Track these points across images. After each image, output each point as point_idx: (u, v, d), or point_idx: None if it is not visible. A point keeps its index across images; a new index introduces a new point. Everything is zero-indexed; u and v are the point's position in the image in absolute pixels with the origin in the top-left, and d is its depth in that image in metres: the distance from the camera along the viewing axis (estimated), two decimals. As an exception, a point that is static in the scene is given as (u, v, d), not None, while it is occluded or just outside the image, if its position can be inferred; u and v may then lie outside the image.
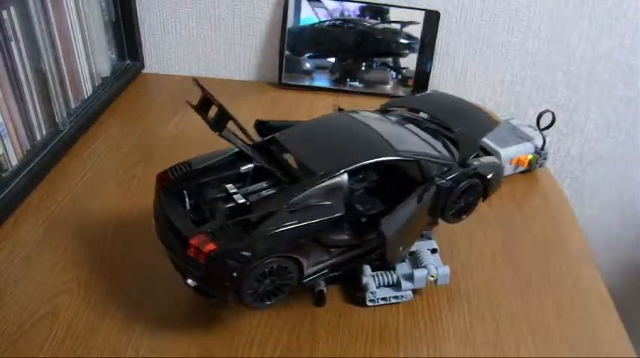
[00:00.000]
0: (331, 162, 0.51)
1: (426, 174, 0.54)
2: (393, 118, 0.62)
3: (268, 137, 0.57)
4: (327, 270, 0.54)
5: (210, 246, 0.46)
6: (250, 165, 0.55)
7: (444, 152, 0.57)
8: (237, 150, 0.55)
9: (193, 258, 0.47)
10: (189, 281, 0.49)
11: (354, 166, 0.51)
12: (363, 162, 0.52)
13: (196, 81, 0.50)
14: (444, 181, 0.54)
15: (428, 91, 0.69)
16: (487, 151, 0.60)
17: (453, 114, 0.63)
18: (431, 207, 0.55)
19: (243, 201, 0.51)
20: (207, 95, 0.49)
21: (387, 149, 0.53)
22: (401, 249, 0.54)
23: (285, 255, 0.48)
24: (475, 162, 0.57)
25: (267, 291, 0.49)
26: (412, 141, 0.57)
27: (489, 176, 0.57)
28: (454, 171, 0.55)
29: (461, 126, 0.61)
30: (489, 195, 0.59)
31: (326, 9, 0.96)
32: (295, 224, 0.48)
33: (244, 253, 0.46)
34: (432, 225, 0.59)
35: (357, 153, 0.52)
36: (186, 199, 0.53)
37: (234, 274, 0.46)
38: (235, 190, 0.53)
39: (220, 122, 0.48)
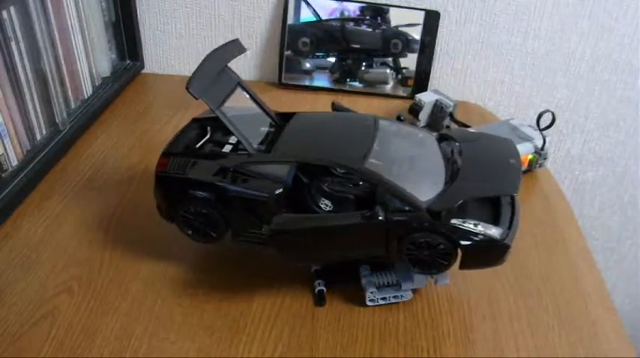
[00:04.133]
0: (293, 150, 0.53)
1: (378, 200, 0.51)
2: (437, 146, 0.57)
3: (293, 111, 0.60)
4: (256, 240, 0.55)
5: (160, 168, 0.55)
6: (271, 129, 0.59)
7: (420, 194, 0.51)
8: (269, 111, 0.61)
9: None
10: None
11: (304, 161, 0.53)
12: (319, 161, 0.52)
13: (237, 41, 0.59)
14: (379, 214, 0.49)
15: (493, 134, 0.60)
16: (513, 215, 0.52)
17: (477, 165, 0.54)
18: (377, 238, 0.51)
19: (225, 151, 0.56)
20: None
21: (352, 159, 0.51)
22: (300, 252, 0.53)
23: (211, 205, 0.54)
24: (455, 221, 0.50)
25: (198, 227, 0.56)
26: (405, 170, 0.53)
27: (465, 243, 0.49)
28: (403, 214, 0.50)
29: (470, 179, 0.52)
30: (471, 267, 0.52)
31: (313, 9, 0.96)
32: (221, 183, 0.53)
33: (175, 186, 0.54)
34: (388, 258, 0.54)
35: (324, 153, 0.53)
36: (207, 134, 0.59)
37: (165, 199, 0.56)
38: (234, 142, 0.58)
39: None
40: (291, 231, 0.51)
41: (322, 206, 0.54)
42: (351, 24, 0.96)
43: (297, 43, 0.97)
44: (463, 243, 0.49)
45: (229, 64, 0.58)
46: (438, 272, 0.52)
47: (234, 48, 0.59)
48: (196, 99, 0.52)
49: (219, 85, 0.56)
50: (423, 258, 0.51)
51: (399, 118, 0.60)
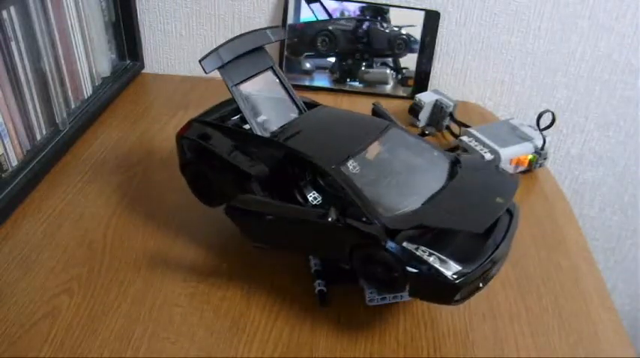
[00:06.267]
0: (286, 138, 0.55)
1: (343, 203, 0.50)
2: (447, 168, 0.55)
3: (317, 103, 0.64)
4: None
5: (181, 131, 0.61)
6: (296, 116, 0.61)
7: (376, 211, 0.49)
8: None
9: None
10: None
11: (288, 150, 0.54)
12: (300, 154, 0.53)
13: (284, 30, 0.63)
14: (331, 215, 0.48)
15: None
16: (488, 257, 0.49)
17: (459, 194, 0.52)
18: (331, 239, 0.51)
19: (244, 127, 0.60)
20: None
21: (330, 158, 0.52)
22: (254, 233, 0.55)
23: (211, 173, 0.59)
24: (407, 244, 0.47)
25: (201, 190, 0.62)
26: (389, 182, 0.52)
27: (411, 269, 0.47)
28: (357, 223, 0.49)
29: (440, 206, 0.50)
30: (418, 297, 0.50)
31: (324, 8, 0.96)
32: (220, 154, 0.57)
33: (187, 149, 0.61)
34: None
35: (310, 146, 0.54)
36: None
37: (180, 159, 0.62)
38: (260, 121, 0.60)
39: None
40: (245, 210, 0.53)
41: (310, 198, 0.54)
42: (367, 24, 0.96)
43: (315, 41, 0.97)
44: (410, 268, 0.47)
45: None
46: (390, 291, 0.51)
47: (273, 33, 0.61)
48: (206, 73, 0.55)
49: (246, 64, 0.59)
50: (375, 273, 0.50)
51: (423, 133, 0.59)
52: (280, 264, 0.60)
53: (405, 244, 0.47)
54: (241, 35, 0.59)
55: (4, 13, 0.65)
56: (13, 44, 0.67)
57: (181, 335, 0.53)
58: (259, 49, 0.60)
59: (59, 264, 0.60)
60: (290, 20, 0.96)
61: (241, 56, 0.58)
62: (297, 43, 0.97)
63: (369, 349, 0.53)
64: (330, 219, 0.49)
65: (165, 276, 0.59)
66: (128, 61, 0.99)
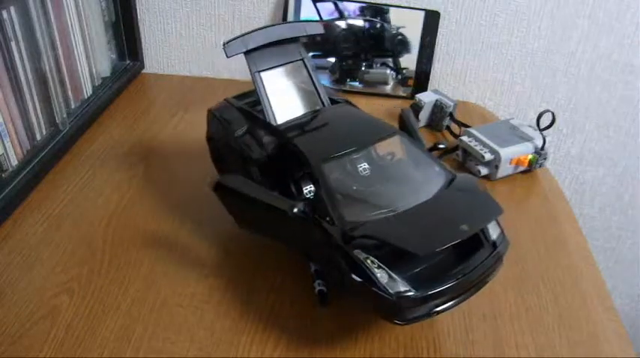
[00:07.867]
0: (289, 129, 0.56)
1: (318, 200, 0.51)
2: (444, 185, 0.53)
3: (343, 98, 0.65)
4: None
5: (213, 106, 0.65)
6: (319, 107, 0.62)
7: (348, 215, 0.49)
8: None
9: None
10: None
11: (285, 140, 0.55)
12: (292, 146, 0.54)
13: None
14: (296, 206, 0.48)
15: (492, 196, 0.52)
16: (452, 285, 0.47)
17: (430, 213, 0.49)
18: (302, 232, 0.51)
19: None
20: None
21: (317, 156, 0.52)
22: (237, 213, 0.56)
23: (223, 147, 0.63)
24: (358, 252, 0.46)
25: (219, 161, 0.66)
26: (374, 186, 0.52)
27: (356, 278, 0.46)
28: (321, 220, 0.49)
29: (402, 220, 0.48)
30: (366, 309, 0.49)
31: (337, 8, 0.96)
32: (232, 133, 0.60)
33: (212, 123, 0.64)
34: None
35: (305, 141, 0.54)
36: None
37: (207, 129, 0.66)
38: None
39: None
40: (229, 189, 0.53)
41: (305, 190, 0.54)
42: (375, 23, 0.96)
43: (338, 41, 0.96)
44: (355, 276, 0.46)
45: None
46: (348, 296, 0.50)
47: (309, 26, 0.62)
48: (227, 56, 0.57)
49: (275, 53, 0.60)
50: (332, 274, 0.49)
51: (435, 146, 0.58)
52: (280, 264, 0.60)
53: (355, 252, 0.46)
54: (273, 25, 0.60)
55: (4, 13, 0.65)
56: (13, 44, 0.67)
57: (181, 335, 0.53)
58: (293, 41, 0.61)
59: (59, 264, 0.60)
60: (290, 20, 0.96)
61: (271, 45, 0.59)
62: (310, 43, 0.97)
63: (369, 349, 0.53)
64: (295, 211, 0.48)
65: (165, 276, 0.59)
66: (128, 61, 0.99)
